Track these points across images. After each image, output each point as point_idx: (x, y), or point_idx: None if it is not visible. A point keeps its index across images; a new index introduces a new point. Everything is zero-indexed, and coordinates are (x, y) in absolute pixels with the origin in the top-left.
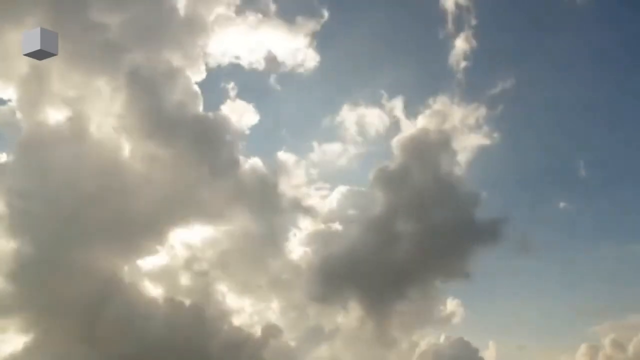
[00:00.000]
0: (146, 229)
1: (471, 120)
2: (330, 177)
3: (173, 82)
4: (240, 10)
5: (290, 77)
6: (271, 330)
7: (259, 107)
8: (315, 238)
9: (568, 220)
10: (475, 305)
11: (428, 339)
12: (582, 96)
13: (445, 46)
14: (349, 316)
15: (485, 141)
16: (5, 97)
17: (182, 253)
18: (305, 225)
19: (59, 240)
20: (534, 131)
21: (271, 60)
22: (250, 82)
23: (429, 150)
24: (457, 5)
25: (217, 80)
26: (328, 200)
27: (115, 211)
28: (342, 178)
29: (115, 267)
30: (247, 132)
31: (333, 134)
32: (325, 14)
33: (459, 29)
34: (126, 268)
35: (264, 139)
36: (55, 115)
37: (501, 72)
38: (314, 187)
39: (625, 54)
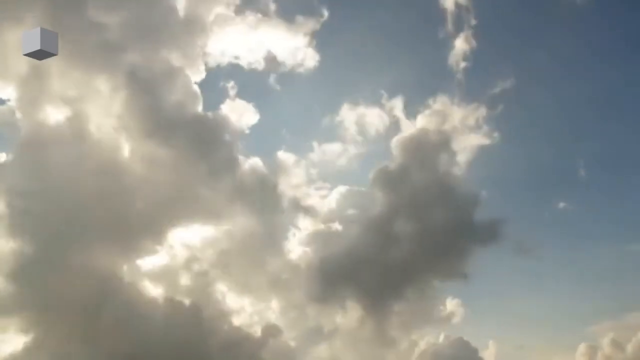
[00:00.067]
0: (146, 228)
1: (471, 120)
2: (329, 177)
3: (172, 82)
4: (239, 10)
5: (289, 77)
6: (271, 330)
7: (259, 107)
8: (315, 238)
9: (568, 220)
10: (475, 305)
11: (427, 339)
12: (582, 96)
13: (445, 46)
14: (348, 316)
15: (485, 141)
16: (4, 97)
17: (181, 253)
18: (305, 225)
19: (58, 240)
20: (533, 131)
21: (271, 60)
22: (250, 81)
23: (428, 150)
24: (457, 5)
25: (217, 80)
26: (328, 200)
27: (115, 211)
28: (341, 178)
29: (115, 267)
30: (247, 131)
31: (333, 134)
32: (325, 13)
33: (458, 28)
34: (126, 268)
35: (263, 138)
36: (55, 115)
37: (501, 72)
38: (313, 186)
39: (626, 53)
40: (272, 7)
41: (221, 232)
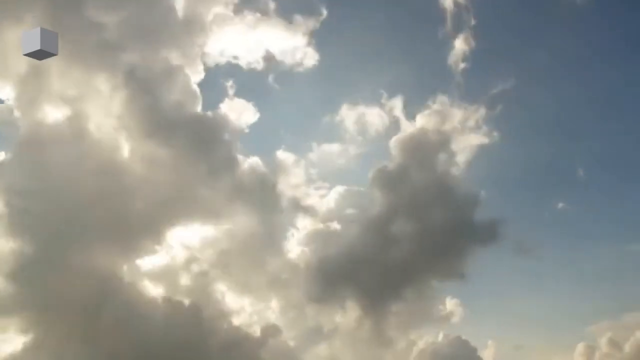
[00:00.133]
0: (145, 228)
1: (470, 120)
2: (329, 177)
3: (171, 82)
4: (238, 9)
5: (289, 76)
6: (270, 330)
7: (258, 107)
8: (314, 237)
9: (567, 220)
10: (474, 304)
11: (426, 338)
12: (582, 96)
13: (445, 45)
14: (347, 316)
15: (484, 141)
16: (3, 96)
17: (181, 253)
18: (304, 225)
19: (58, 240)
20: (533, 131)
21: (270, 59)
22: (249, 81)
23: (428, 150)
24: (456, 4)
25: (216, 79)
26: (327, 199)
27: (115, 210)
28: (341, 177)
29: (115, 266)
30: (247, 130)
31: (332, 133)
32: (324, 12)
33: (458, 28)
34: (125, 268)
35: (262, 138)
36: (54, 114)
37: (501, 72)
38: (312, 186)
39: (626, 53)
40: (271, 6)
41: (221, 231)
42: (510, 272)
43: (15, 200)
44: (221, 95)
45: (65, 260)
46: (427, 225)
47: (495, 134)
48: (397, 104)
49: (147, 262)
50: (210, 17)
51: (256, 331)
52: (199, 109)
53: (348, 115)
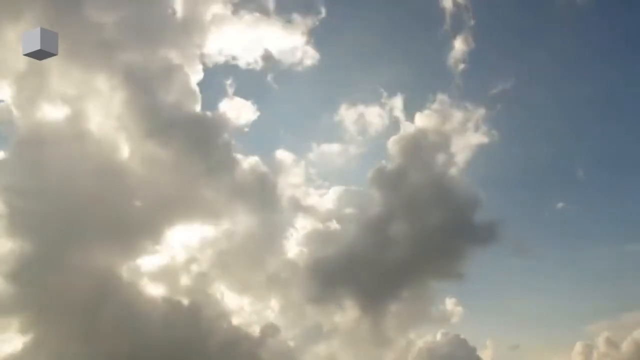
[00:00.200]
0: (145, 228)
1: (469, 120)
2: (328, 176)
3: (170, 81)
4: (237, 9)
5: (287, 76)
6: (269, 330)
7: (257, 106)
8: (314, 237)
9: (566, 220)
10: (473, 304)
11: (426, 338)
12: (582, 96)
13: (444, 45)
14: (347, 315)
15: (483, 142)
16: (1, 95)
17: (180, 252)
18: (304, 225)
19: (57, 240)
20: (532, 132)
21: (268, 59)
22: (248, 80)
23: (427, 149)
24: (456, 4)
25: (215, 79)
26: (326, 199)
27: (114, 210)
28: (340, 177)
29: (114, 266)
30: (246, 129)
31: (332, 133)
32: (323, 11)
33: (457, 28)
34: (125, 267)
35: (262, 137)
36: (52, 113)
37: (500, 72)
38: (312, 186)
39: (626, 53)
40: (270, 5)
41: (220, 231)
42: (510, 272)
43: (14, 200)
44: (220, 94)
45: (64, 260)
46: (427, 225)
47: (494, 133)
48: (397, 104)
49: (147, 262)
50: (209, 16)
51: (255, 331)
52: (198, 108)
53: (347, 114)
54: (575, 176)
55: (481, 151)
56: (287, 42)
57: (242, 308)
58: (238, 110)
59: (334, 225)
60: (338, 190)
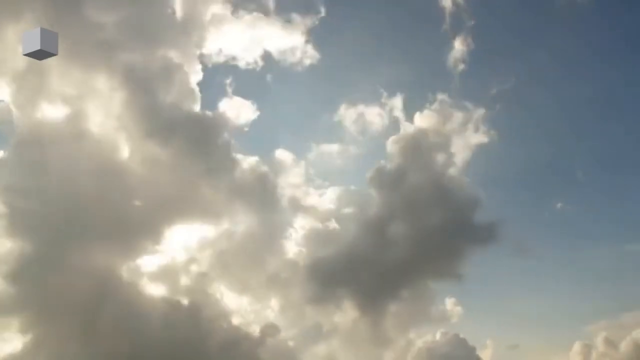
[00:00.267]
0: (144, 228)
1: (469, 120)
2: (328, 176)
3: (170, 81)
4: (236, 9)
5: (287, 75)
6: (269, 330)
7: (256, 106)
8: (313, 237)
9: (566, 220)
10: (473, 304)
11: (425, 338)
12: (582, 96)
13: (444, 45)
14: (346, 315)
15: (483, 142)
16: (1, 94)
17: (180, 252)
18: (303, 224)
19: (57, 240)
20: (532, 132)
21: (268, 58)
22: (247, 80)
23: (426, 149)
24: (455, 4)
25: (214, 79)
26: (326, 199)
27: (114, 210)
28: (339, 177)
29: (114, 266)
30: (245, 129)
31: (331, 133)
32: (322, 10)
33: (457, 28)
34: (125, 267)
35: (261, 137)
36: (52, 113)
37: (500, 72)
38: (311, 185)
39: (626, 53)
40: (269, 5)
41: (220, 231)
42: (510, 272)
43: (14, 200)
44: (220, 94)
45: (64, 260)
46: (426, 225)
47: (494, 134)
48: (396, 104)
49: (147, 262)
50: (208, 16)
51: (255, 330)
52: (197, 108)
53: (347, 114)
54: (575, 176)
55: (481, 151)
56: (287, 41)
57: (242, 308)
58: (238, 110)
59: (333, 225)
60: (337, 190)
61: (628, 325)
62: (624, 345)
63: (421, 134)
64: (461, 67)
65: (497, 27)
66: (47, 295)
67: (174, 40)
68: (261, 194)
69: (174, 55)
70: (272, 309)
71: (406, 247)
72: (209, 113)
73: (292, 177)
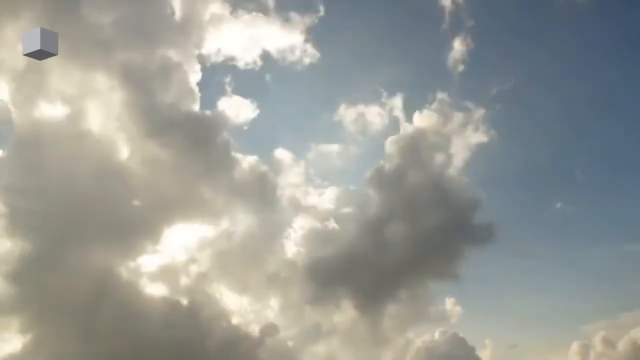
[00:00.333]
0: (144, 228)
1: (469, 120)
2: (327, 176)
3: (169, 81)
4: (235, 8)
5: (286, 75)
6: (269, 329)
7: (256, 105)
8: (313, 237)
9: (565, 220)
10: (473, 304)
11: (424, 337)
12: (582, 96)
13: (444, 45)
14: (345, 315)
15: (483, 142)
16: (0, 94)
17: (180, 252)
18: (302, 224)
19: (57, 240)
20: (532, 131)
21: (267, 58)
22: (247, 80)
23: (426, 149)
24: (455, 4)
25: (213, 78)
26: (325, 198)
27: (113, 210)
28: (339, 177)
29: (114, 266)
30: (245, 128)
31: (331, 133)
32: (321, 9)
33: (457, 28)
34: (124, 267)
35: (261, 136)
36: (51, 113)
37: (500, 72)
38: (311, 185)
39: (626, 53)
40: (268, 4)
41: (219, 231)
42: (509, 272)
43: (14, 200)
44: (219, 93)
45: (64, 260)
46: (425, 225)
47: (494, 133)
48: (396, 104)
49: (146, 262)
50: (207, 16)
51: (255, 330)
52: (197, 107)
53: (347, 114)
54: (574, 176)
55: (480, 151)
56: (286, 41)
57: (242, 308)
58: (237, 109)
59: (333, 225)
60: (337, 190)
61: (626, 325)
62: (622, 345)
63: (421, 134)
64: (461, 67)
65: (496, 27)
66: (47, 295)
67: (173, 39)
68: (261, 194)
69: (173, 54)
70: (271, 309)
71: (405, 247)
72: (208, 112)
73: (291, 177)
